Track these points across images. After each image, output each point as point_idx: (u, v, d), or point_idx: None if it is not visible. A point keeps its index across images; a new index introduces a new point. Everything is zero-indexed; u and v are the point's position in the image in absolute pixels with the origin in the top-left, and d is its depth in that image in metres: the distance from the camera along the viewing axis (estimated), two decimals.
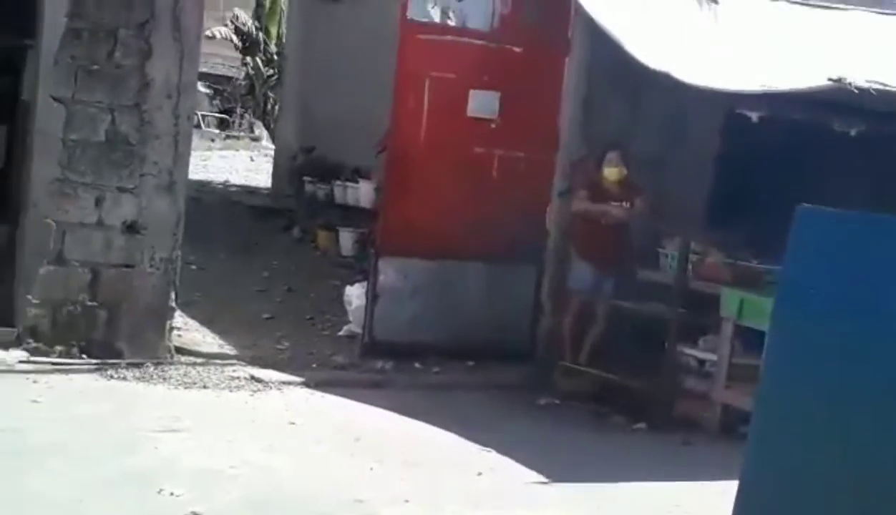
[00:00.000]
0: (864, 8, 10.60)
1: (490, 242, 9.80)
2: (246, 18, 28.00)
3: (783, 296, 5.21)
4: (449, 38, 9.72)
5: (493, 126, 9.94)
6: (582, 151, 9.89)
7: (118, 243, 8.63)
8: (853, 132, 8.47)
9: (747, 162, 9.71)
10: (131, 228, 8.63)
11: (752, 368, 7.44)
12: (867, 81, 7.73)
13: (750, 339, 8.37)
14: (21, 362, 8.26)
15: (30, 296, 8.44)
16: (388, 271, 9.69)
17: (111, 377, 8.34)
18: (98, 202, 8.57)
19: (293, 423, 7.84)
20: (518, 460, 7.49)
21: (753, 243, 9.19)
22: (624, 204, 9.52)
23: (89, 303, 8.58)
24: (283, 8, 23.83)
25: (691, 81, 8.31)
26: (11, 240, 8.90)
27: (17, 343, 8.41)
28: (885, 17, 10.53)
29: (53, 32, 8.39)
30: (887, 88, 7.82)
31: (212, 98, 32.55)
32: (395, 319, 9.68)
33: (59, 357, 8.43)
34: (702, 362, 9.10)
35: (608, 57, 9.20)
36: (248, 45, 27.97)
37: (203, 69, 28.05)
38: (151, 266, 8.70)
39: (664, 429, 8.71)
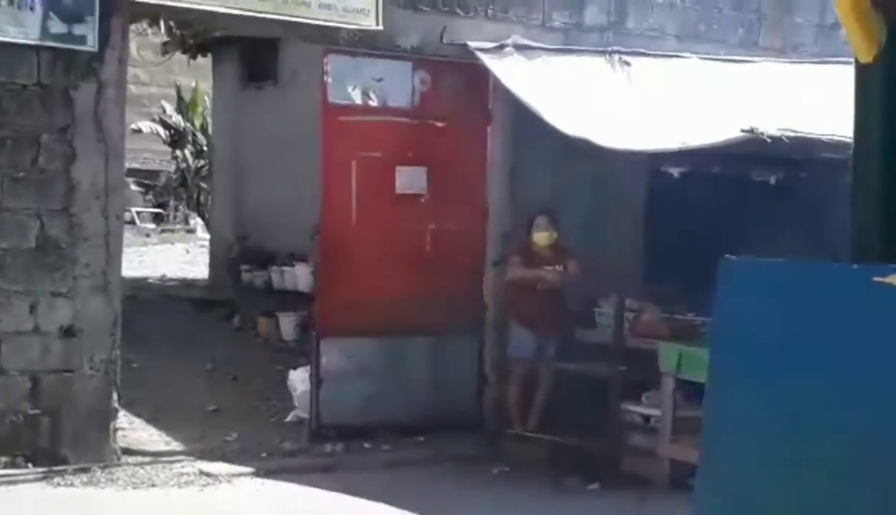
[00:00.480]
0: (772, 58, 10.89)
1: (429, 316, 9.85)
2: (171, 112, 28.11)
3: (715, 348, 5.31)
4: (371, 117, 9.82)
5: (422, 201, 10.03)
6: (511, 219, 10.02)
7: (56, 348, 8.57)
8: (773, 180, 8.68)
9: (675, 216, 9.88)
10: (68, 332, 8.58)
11: (697, 421, 7.50)
12: (779, 130, 7.94)
13: (692, 392, 8.46)
14: None
15: None
16: (330, 353, 9.69)
17: (58, 484, 8.24)
18: (32, 308, 8.51)
19: None
20: None
21: (688, 296, 9.32)
22: (557, 267, 9.65)
23: (31, 412, 8.49)
24: (206, 98, 23.90)
25: (610, 145, 8.49)
26: None
27: None
28: (792, 65, 10.82)
29: None
30: (799, 135, 8.04)
31: (145, 193, 32.51)
32: (341, 400, 9.67)
33: (4, 468, 8.31)
34: (647, 418, 9.18)
35: (530, 125, 9.37)
36: (177, 137, 28.07)
37: (134, 165, 28.14)
38: (91, 368, 8.65)
39: (617, 488, 8.77)
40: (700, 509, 5.23)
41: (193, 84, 27.72)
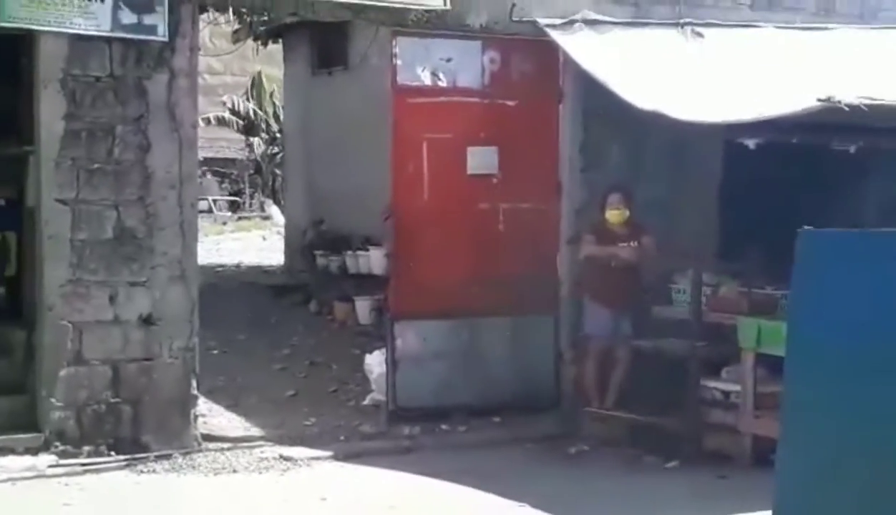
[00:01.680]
0: (849, 25, 10.65)
1: (504, 296, 9.81)
2: (242, 102, 28.32)
3: (794, 321, 5.22)
4: (441, 99, 9.78)
5: (494, 181, 9.97)
6: (584, 197, 9.93)
7: (135, 337, 8.66)
8: (852, 149, 8.49)
9: (752, 189, 9.72)
10: (147, 321, 8.67)
11: (779, 396, 7.39)
12: (857, 98, 7.75)
13: (772, 367, 8.33)
14: (51, 466, 8.26)
15: (53, 399, 8.46)
16: (406, 336, 9.70)
17: (141, 471, 8.35)
18: (112, 298, 8.61)
19: (324, 499, 7.84)
20: (554, 511, 7.46)
21: (767, 270, 9.17)
22: (631, 244, 9.55)
23: (112, 400, 8.60)
24: (276, 87, 24.02)
25: (683, 117, 8.35)
26: (30, 345, 8.97)
27: (45, 447, 8.41)
28: (870, 31, 10.57)
29: (52, 136, 8.48)
30: (878, 103, 7.84)
31: (220, 182, 32.82)
32: (418, 383, 9.68)
33: (88, 457, 8.43)
34: (727, 394, 9.05)
35: (602, 101, 9.26)
36: (250, 125, 28.28)
37: (209, 154, 28.41)
38: (170, 356, 8.73)
39: (697, 465, 8.68)
40: (782, 484, 5.15)
41: (266, 71, 27.88)
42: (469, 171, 9.88)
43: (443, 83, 9.76)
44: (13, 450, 8.32)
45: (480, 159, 9.89)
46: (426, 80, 9.70)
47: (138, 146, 8.67)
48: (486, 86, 9.92)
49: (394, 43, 9.56)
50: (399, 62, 9.59)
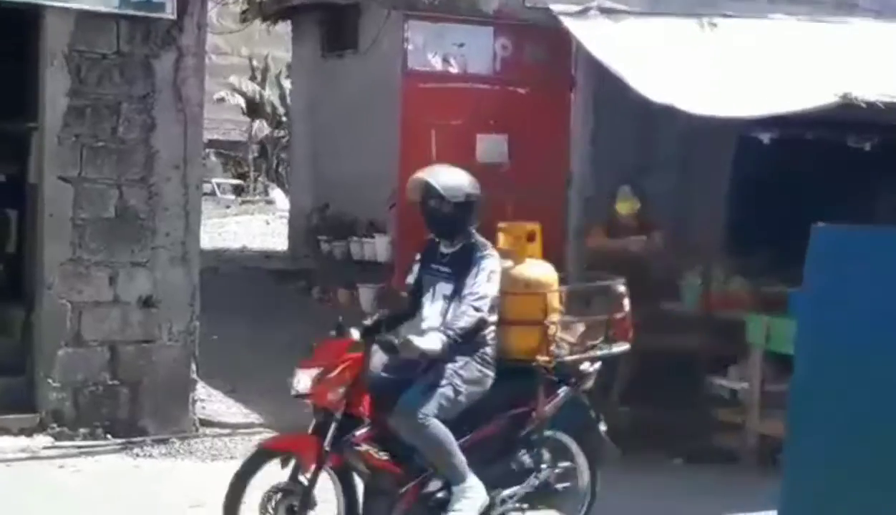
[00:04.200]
0: (866, 17, 10.52)
1: None
2: (248, 83, 28.21)
3: (805, 318, 5.11)
4: (451, 84, 9.68)
5: (503, 169, 9.86)
6: (594, 188, 9.81)
7: (135, 319, 8.56)
8: (867, 147, 8.37)
9: (763, 184, 9.60)
10: (147, 303, 8.57)
11: (787, 395, 7.29)
12: (875, 94, 7.62)
13: (780, 365, 8.21)
14: (46, 448, 8.18)
15: (50, 380, 8.37)
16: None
17: (137, 455, 8.27)
18: (112, 279, 8.51)
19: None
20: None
21: (776, 266, 9.06)
22: (641, 237, 9.42)
23: (110, 382, 8.51)
24: (284, 69, 23.92)
25: (696, 111, 8.22)
26: (28, 324, 8.86)
27: (40, 428, 8.33)
28: (889, 26, 10.43)
29: (55, 112, 8.37)
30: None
31: (225, 164, 32.73)
32: None
33: (84, 439, 8.36)
34: (734, 391, 8.94)
35: (614, 91, 9.13)
36: (255, 107, 28.18)
37: (215, 136, 28.33)
38: (170, 339, 8.63)
39: (702, 463, 8.57)
40: (788, 485, 5.04)
41: (273, 53, 27.76)
42: (478, 159, 9.75)
43: (454, 69, 9.65)
44: (8, 431, 8.23)
45: (490, 147, 9.79)
46: (437, 65, 9.60)
47: (143, 125, 8.57)
48: (498, 73, 9.84)
49: (406, 27, 9.47)
50: (410, 46, 9.49)
